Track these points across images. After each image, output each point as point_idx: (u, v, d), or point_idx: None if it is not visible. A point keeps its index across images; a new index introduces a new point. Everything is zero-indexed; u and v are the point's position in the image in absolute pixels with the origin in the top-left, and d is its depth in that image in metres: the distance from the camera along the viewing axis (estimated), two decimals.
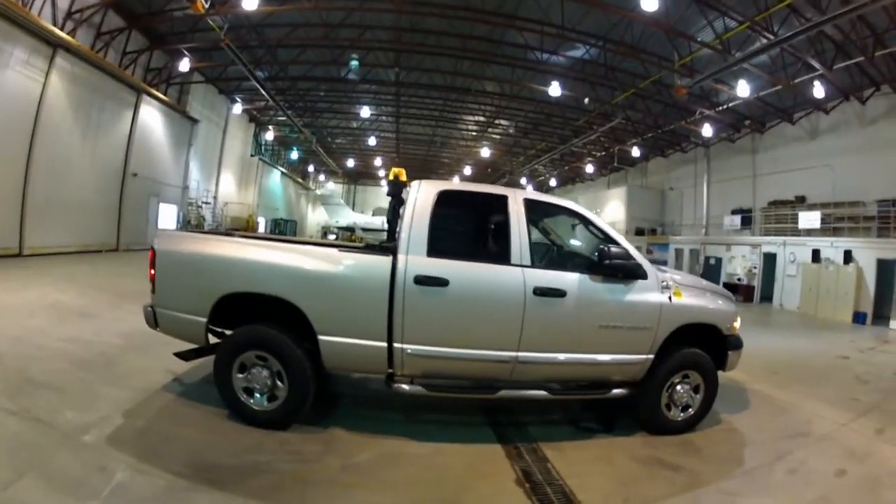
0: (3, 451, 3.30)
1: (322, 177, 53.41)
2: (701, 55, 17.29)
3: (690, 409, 4.79)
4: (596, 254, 4.45)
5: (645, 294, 4.50)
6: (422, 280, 3.92)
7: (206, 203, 24.53)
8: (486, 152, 37.28)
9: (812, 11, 12.43)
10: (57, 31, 14.17)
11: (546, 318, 4.19)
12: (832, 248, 17.49)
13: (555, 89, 20.21)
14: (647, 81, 20.15)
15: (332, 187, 52.53)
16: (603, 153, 34.73)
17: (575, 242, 5.78)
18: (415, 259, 3.99)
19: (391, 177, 5.11)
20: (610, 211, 38.05)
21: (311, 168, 50.20)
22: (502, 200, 4.41)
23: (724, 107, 21.97)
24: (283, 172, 39.44)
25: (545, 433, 4.48)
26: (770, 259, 21.34)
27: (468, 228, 4.86)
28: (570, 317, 4.29)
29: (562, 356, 4.29)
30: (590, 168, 39.73)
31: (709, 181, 30.69)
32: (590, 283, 4.34)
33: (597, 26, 17.18)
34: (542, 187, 53.03)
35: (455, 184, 4.97)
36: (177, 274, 4.35)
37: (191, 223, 23.17)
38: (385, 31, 19.31)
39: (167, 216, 21.63)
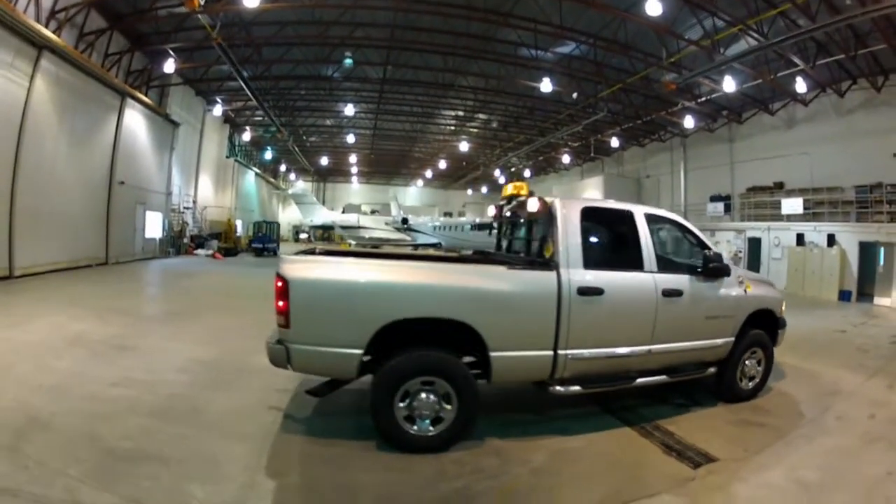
0: None
1: (293, 175, 53.24)
2: (688, 50, 18.60)
3: (756, 380, 6.02)
4: (701, 258, 5.45)
5: (730, 289, 5.66)
6: (584, 290, 4.57)
7: (188, 208, 24.37)
8: (463, 146, 38.28)
9: (801, 16, 13.81)
10: (43, 30, 13.72)
11: (670, 315, 5.11)
12: (815, 232, 19.33)
13: (546, 85, 21.23)
14: (634, 77, 21.43)
15: (303, 186, 52.45)
16: (579, 144, 36.36)
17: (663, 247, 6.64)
18: (574, 272, 4.61)
19: (513, 191, 5.54)
20: None
21: (282, 167, 50.15)
22: (630, 215, 5.26)
23: (706, 99, 23.54)
24: (256, 173, 39.24)
25: (653, 413, 5.41)
26: (755, 243, 23.07)
27: (608, 241, 5.44)
28: (685, 311, 5.27)
29: (679, 345, 5.25)
30: (566, 158, 41.36)
31: (685, 169, 32.67)
32: (697, 282, 5.37)
33: (590, 24, 18.28)
34: (516, 178, 54.47)
35: (591, 201, 5.54)
36: (323, 305, 4.16)
37: (174, 230, 23.15)
38: (377, 29, 19.81)
39: (153, 225, 21.36)
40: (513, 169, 47.38)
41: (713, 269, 5.40)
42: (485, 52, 20.97)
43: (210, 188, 28.17)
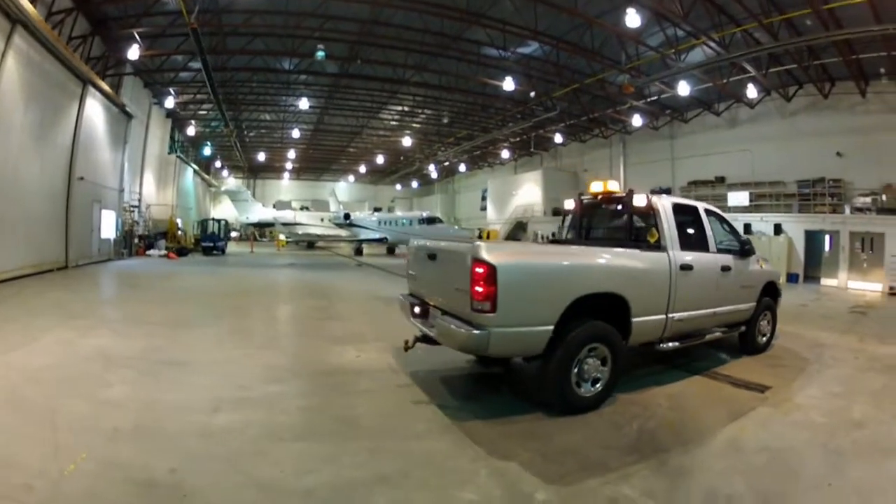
0: None
1: (225, 172, 52.31)
2: (645, 54, 21.21)
3: (767, 336, 8.19)
4: (740, 242, 7.48)
5: (753, 264, 7.74)
6: (683, 266, 6.14)
7: (135, 207, 23.99)
8: (404, 142, 39.74)
9: (760, 31, 16.58)
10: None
11: (724, 285, 6.95)
12: (762, 222, 22.58)
13: (508, 84, 23.04)
14: (592, 79, 23.87)
15: (236, 182, 51.68)
16: (519, 139, 38.88)
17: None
18: (676, 253, 6.15)
19: (603, 189, 7.07)
20: (525, 193, 42.88)
21: (217, 164, 49.35)
22: (696, 209, 7.03)
23: (654, 98, 26.50)
24: (195, 170, 38.53)
25: (704, 366, 7.13)
26: None
27: (687, 228, 6.73)
28: (732, 282, 7.13)
29: (729, 307, 7.08)
30: (505, 153, 44.12)
31: (625, 164, 35.95)
32: (737, 260, 7.23)
33: (557, 28, 20.08)
34: (451, 172, 56.71)
35: (675, 198, 7.21)
36: (527, 287, 4.74)
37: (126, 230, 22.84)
38: (346, 23, 20.64)
39: (108, 224, 20.80)
40: (446, 163, 49.50)
41: (747, 250, 7.45)
42: (448, 50, 22.45)
43: (153, 186, 27.63)
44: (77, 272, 16.89)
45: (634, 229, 7.00)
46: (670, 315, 6.03)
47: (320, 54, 20.42)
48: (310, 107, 30.08)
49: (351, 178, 61.71)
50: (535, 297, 4.82)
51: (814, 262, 21.28)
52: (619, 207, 7.31)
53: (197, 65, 22.45)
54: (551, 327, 4.84)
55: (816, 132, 22.19)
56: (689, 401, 5.76)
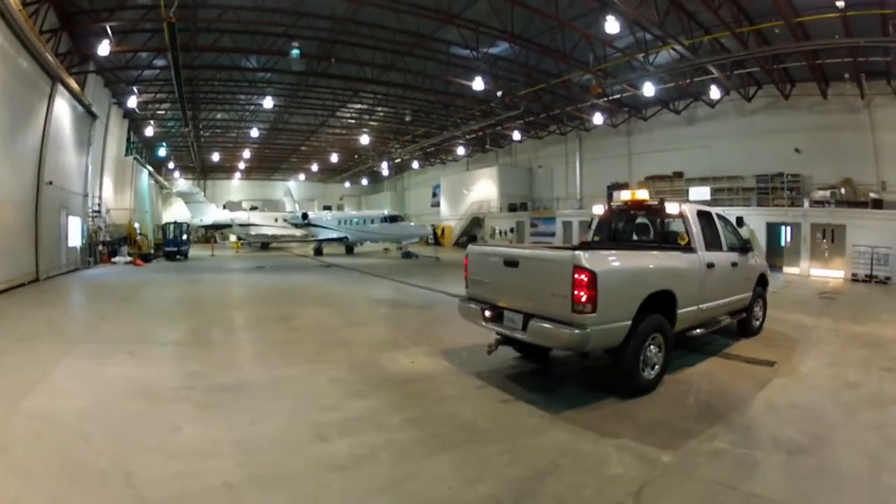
0: None
1: (176, 173, 51.18)
2: (612, 56, 22.60)
3: (760, 320, 9.64)
4: (741, 241, 8.86)
5: (752, 259, 9.08)
6: (709, 264, 7.29)
7: (97, 212, 23.44)
8: (361, 140, 40.16)
9: (728, 37, 18.17)
10: None
11: (733, 278, 8.19)
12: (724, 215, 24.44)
13: (478, 83, 23.74)
14: (559, 80, 25.13)
15: (187, 183, 50.60)
16: (473, 136, 39.84)
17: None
18: (703, 253, 7.27)
19: (635, 197, 8.18)
20: (480, 189, 44.24)
21: (170, 165, 48.35)
22: (710, 213, 8.15)
23: (616, 97, 28.07)
24: (149, 172, 37.62)
25: (715, 349, 8.33)
26: None
27: (707, 231, 7.70)
28: (738, 275, 8.39)
29: (735, 297, 8.33)
30: (460, 150, 45.27)
31: (581, 159, 37.71)
32: (740, 256, 8.44)
33: (528, 29, 20.90)
34: (402, 169, 57.50)
35: (697, 205, 8.13)
36: (618, 288, 5.57)
37: (92, 237, 22.34)
38: (319, 20, 20.90)
39: (74, 232, 20.10)
40: (398, 160, 50.34)
41: (747, 248, 8.83)
42: (417, 49, 23.07)
43: (111, 189, 26.96)
44: (51, 285, 16.22)
45: (665, 233, 8.13)
46: (700, 306, 7.11)
47: (295, 52, 20.56)
48: (272, 105, 30.07)
49: (301, 176, 61.53)
50: (622, 297, 5.68)
51: (776, 252, 23.36)
52: (649, 214, 8.43)
53: (161, 62, 22.24)
54: (630, 322, 5.72)
55: (775, 129, 24.33)
56: (719, 377, 6.91)
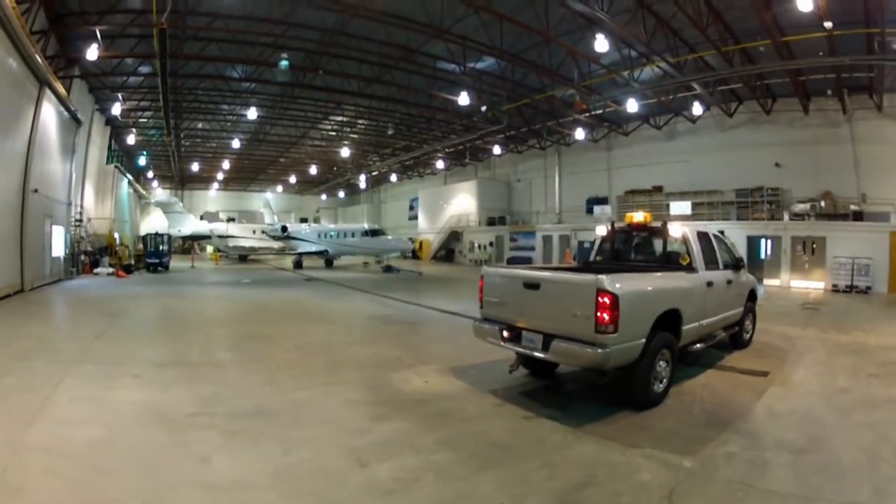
0: None
1: (155, 183, 50.75)
2: (597, 72, 23.27)
3: (750, 333, 10.13)
4: (735, 259, 9.23)
5: (743, 276, 9.52)
6: (708, 283, 7.72)
7: (79, 221, 23.15)
8: (342, 152, 40.43)
9: (713, 55, 18.89)
10: None
11: (728, 294, 8.62)
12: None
13: (463, 98, 24.38)
14: (542, 95, 25.75)
15: (165, 193, 50.22)
16: (453, 149, 40.24)
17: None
18: (703, 272, 7.70)
19: (641, 220, 8.55)
20: (459, 203, 44.61)
21: (150, 174, 48.02)
22: (707, 234, 8.57)
23: (598, 112, 28.79)
24: (129, 181, 37.20)
25: (711, 362, 8.65)
26: None
27: (705, 250, 8.11)
28: (733, 291, 8.84)
29: (730, 312, 8.78)
30: (440, 164, 45.62)
31: (560, 173, 38.33)
32: (734, 273, 8.87)
33: (515, 45, 21.35)
34: (379, 182, 57.85)
35: (696, 225, 8.43)
36: (636, 309, 5.96)
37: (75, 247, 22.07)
38: (308, 31, 21.16)
39: (58, 241, 19.78)
40: (375, 173, 50.62)
41: (740, 265, 9.29)
42: (403, 63, 23.48)
43: (92, 198, 26.59)
44: (37, 297, 15.88)
45: (667, 254, 8.56)
46: (701, 322, 7.53)
47: (284, 63, 20.75)
48: (256, 116, 30.16)
49: (279, 188, 61.51)
50: (639, 316, 6.05)
51: (756, 265, 23.98)
52: (650, 235, 8.90)
53: (146, 69, 22.17)
54: (644, 340, 6.09)
55: (755, 144, 25.28)
56: (719, 388, 7.30)
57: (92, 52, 17.73)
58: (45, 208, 18.42)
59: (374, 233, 33.99)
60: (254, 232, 42.28)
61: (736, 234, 23.61)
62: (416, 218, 51.49)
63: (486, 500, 4.07)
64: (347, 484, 4.26)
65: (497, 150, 38.75)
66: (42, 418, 5.46)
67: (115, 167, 31.12)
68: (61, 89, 18.57)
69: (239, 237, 41.07)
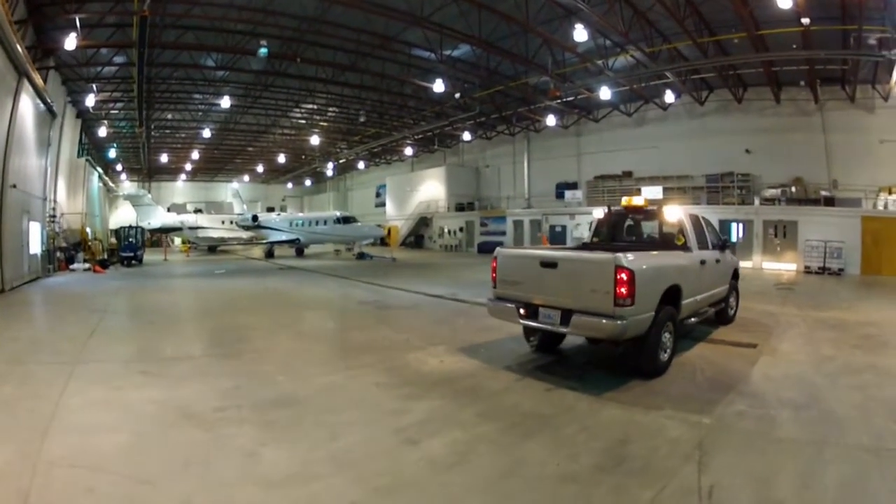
0: None
1: (123, 175, 49.53)
2: (571, 60, 23.73)
3: (734, 309, 10.75)
4: (720, 240, 9.87)
5: (728, 256, 10.17)
6: (702, 261, 8.31)
7: (53, 217, 22.59)
8: (312, 140, 40.12)
9: (693, 51, 19.50)
10: None
11: (717, 272, 9.22)
12: None
13: (438, 85, 24.42)
14: (517, 82, 26.11)
15: (132, 186, 49.10)
16: (422, 136, 40.37)
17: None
18: (697, 252, 8.29)
19: (637, 203, 9.06)
20: (427, 189, 44.96)
21: (118, 167, 46.83)
22: (698, 217, 9.16)
23: (570, 99, 29.24)
24: (100, 174, 36.25)
25: (702, 335, 9.27)
26: None
27: (697, 231, 8.70)
28: (720, 269, 9.44)
29: (718, 289, 9.38)
30: (408, 151, 45.84)
31: (529, 159, 38.87)
32: (720, 253, 9.47)
33: (495, 33, 21.46)
34: (345, 170, 57.86)
35: (689, 208, 8.99)
36: (650, 284, 6.46)
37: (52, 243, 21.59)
38: (285, 18, 21.04)
39: (34, 238, 19.21)
40: (343, 161, 50.45)
41: (725, 245, 9.89)
42: (379, 50, 23.55)
43: (64, 192, 25.90)
44: (18, 297, 15.25)
45: (664, 235, 9.13)
46: (696, 297, 8.07)
47: (263, 51, 20.57)
48: (229, 105, 29.76)
49: (246, 177, 60.75)
50: (650, 291, 6.54)
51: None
52: (646, 217, 9.46)
53: (120, 59, 21.74)
54: (653, 312, 6.59)
55: (726, 131, 26.23)
56: (714, 358, 7.88)
57: (70, 42, 17.21)
58: (22, 204, 17.95)
59: (346, 220, 33.89)
60: (223, 222, 41.94)
61: (709, 217, 24.62)
62: (383, 205, 51.60)
63: (543, 463, 4.36)
64: (409, 462, 4.35)
65: (467, 136, 39.09)
66: (56, 427, 4.98)
67: (87, 160, 30.38)
68: (39, 81, 18.11)
69: (208, 228, 40.68)
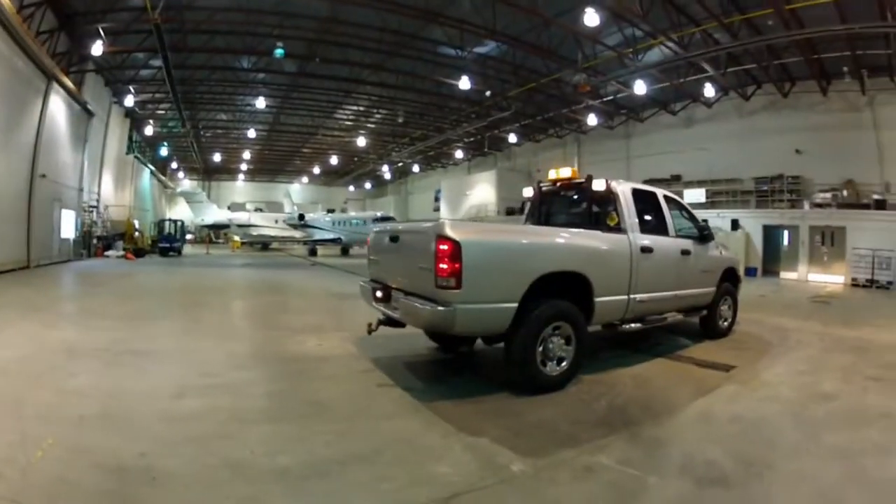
0: None
1: (181, 174, 51.51)
2: (602, 54, 21.33)
3: (728, 321, 8.32)
4: (698, 227, 7.63)
5: (713, 250, 7.90)
6: (644, 249, 6.21)
7: (94, 207, 23.37)
8: (359, 142, 39.71)
9: (720, 31, 16.89)
10: None
11: (685, 268, 7.10)
12: (718, 217, 22.96)
13: (464, 83, 22.90)
14: (548, 78, 23.96)
15: (191, 184, 50.76)
16: (472, 139, 39.05)
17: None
18: (636, 235, 6.22)
19: (563, 175, 7.01)
20: (479, 193, 42.89)
21: (173, 165, 48.58)
22: (654, 194, 7.10)
23: (611, 98, 26.73)
24: (151, 171, 37.68)
25: (667, 349, 7.22)
26: None
27: (646, 213, 6.72)
28: (692, 266, 7.26)
29: (689, 291, 7.19)
30: (459, 154, 44.43)
31: (580, 163, 36.04)
32: (696, 245, 7.38)
33: (514, 27, 19.78)
34: (404, 173, 56.97)
35: (634, 184, 6.80)
36: (491, 264, 4.79)
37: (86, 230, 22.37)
38: (305, 20, 20.40)
39: (67, 224, 20.71)
40: (400, 164, 49.66)
41: (705, 236, 7.64)
42: (404, 49, 22.40)
43: (111, 186, 27.01)
44: (39, 272, 16.63)
45: (594, 214, 6.88)
46: (632, 296, 6.08)
47: (279, 52, 20.12)
48: (266, 106, 29.80)
49: (305, 179, 61.21)
50: (499, 275, 4.85)
51: (772, 257, 22.09)
52: (578, 193, 7.32)
53: (158, 62, 21.95)
54: (515, 305, 4.84)
55: (775, 130, 22.86)
56: (654, 380, 5.80)
57: (97, 49, 18.18)
58: (53, 193, 19.31)
59: (384, 220, 33.17)
60: (276, 221, 42.16)
61: (752, 223, 21.80)
62: (439, 209, 50.38)
63: (242, 445, 3.76)
64: (156, 410, 4.43)
65: (513, 138, 37.24)
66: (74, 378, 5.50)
67: (135, 157, 31.46)
68: (69, 83, 19.31)
69: (260, 226, 41.09)
